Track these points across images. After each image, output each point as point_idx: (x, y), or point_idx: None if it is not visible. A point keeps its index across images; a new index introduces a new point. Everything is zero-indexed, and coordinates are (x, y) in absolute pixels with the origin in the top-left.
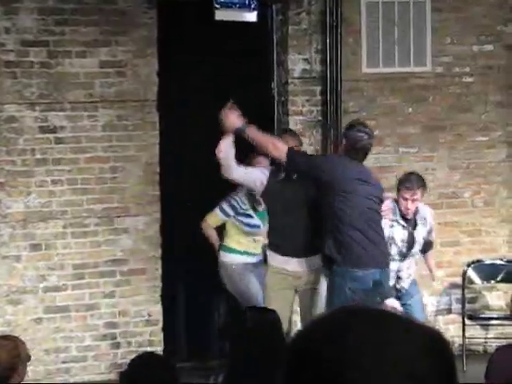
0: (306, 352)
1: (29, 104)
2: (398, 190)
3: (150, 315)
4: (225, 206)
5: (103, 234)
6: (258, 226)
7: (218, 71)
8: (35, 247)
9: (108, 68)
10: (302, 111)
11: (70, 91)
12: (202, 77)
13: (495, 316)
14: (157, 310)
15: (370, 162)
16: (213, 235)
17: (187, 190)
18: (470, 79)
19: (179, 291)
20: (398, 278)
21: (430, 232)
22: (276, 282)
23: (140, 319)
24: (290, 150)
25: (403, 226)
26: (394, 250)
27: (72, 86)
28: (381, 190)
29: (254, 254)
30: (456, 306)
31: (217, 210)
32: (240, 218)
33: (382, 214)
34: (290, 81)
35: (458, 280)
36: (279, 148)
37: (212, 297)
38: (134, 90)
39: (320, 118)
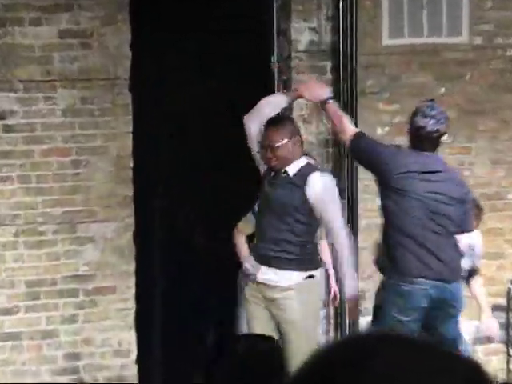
0: (317, 379)
1: None
2: None
3: (120, 344)
4: (256, 208)
5: (63, 244)
6: None
7: (203, 44)
8: None
9: (69, 38)
10: None
11: (21, 67)
12: (184, 47)
13: None
14: (129, 337)
15: None
16: (241, 243)
17: (167, 190)
18: None
19: (157, 315)
20: None
21: (474, 261)
22: (249, 293)
23: (108, 349)
24: (357, 136)
25: None
26: None
27: (25, 62)
28: (458, 187)
29: None
30: (499, 333)
31: (249, 215)
32: None
33: None
34: (293, 55)
35: (502, 301)
36: (345, 130)
37: (198, 321)
38: (101, 66)
39: None
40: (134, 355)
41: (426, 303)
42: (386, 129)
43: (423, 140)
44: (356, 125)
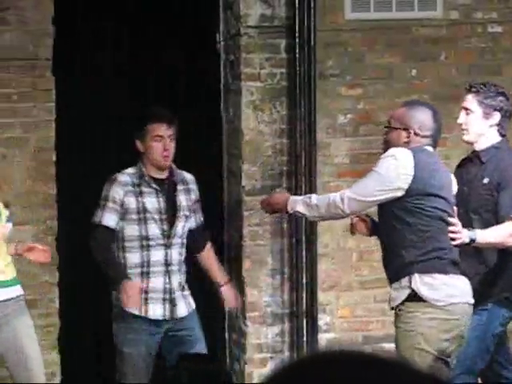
0: None
1: None
2: (141, 136)
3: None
4: None
5: None
6: None
7: (140, 22)
8: None
9: None
10: (259, 75)
11: None
12: (117, 25)
13: None
14: (52, 358)
15: (356, 145)
16: None
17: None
18: (497, 29)
19: (85, 331)
20: (168, 281)
21: (197, 209)
22: None
23: None
24: None
25: (156, 191)
26: (153, 229)
27: None
28: None
29: None
30: None
31: None
32: None
33: None
34: (242, 31)
35: None
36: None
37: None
38: (19, 45)
39: (286, 83)
40: (57, 379)
41: None
42: (349, 116)
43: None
44: (314, 112)
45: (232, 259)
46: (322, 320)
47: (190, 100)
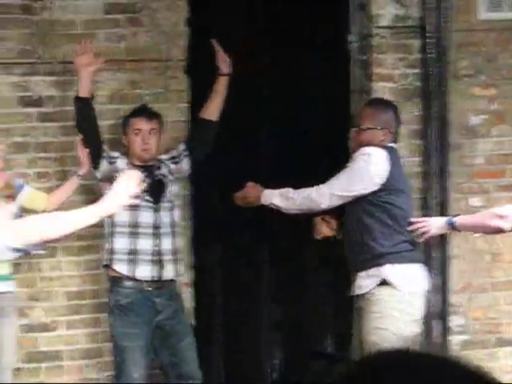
0: None
1: (4, 66)
2: (125, 130)
3: None
4: None
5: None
6: None
7: (272, 22)
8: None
9: (116, 14)
10: (392, 75)
11: (60, 47)
12: (249, 24)
13: None
14: None
15: (487, 146)
16: None
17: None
18: None
19: (218, 328)
20: (158, 243)
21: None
22: None
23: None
24: None
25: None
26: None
27: (64, 40)
28: None
29: None
30: None
31: None
32: None
33: None
34: (374, 32)
35: None
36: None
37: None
38: (153, 46)
39: (419, 84)
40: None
41: None
42: (482, 117)
43: None
44: (447, 113)
45: None
46: (455, 321)
47: (322, 100)
